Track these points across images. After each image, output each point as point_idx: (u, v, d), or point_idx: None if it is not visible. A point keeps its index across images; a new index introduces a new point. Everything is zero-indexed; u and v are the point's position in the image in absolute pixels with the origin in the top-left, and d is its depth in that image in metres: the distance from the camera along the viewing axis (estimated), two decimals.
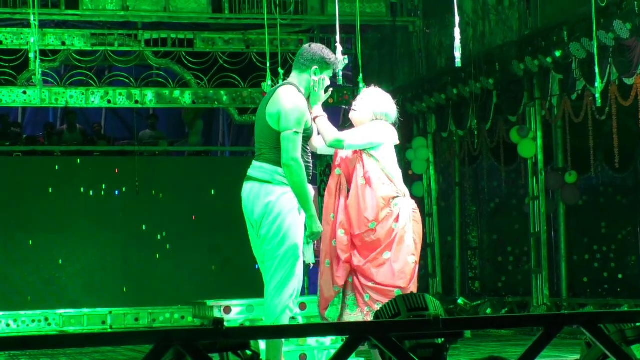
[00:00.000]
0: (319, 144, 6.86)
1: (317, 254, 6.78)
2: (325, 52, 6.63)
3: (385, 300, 6.62)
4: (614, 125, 11.63)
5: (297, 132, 6.33)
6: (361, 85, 8.93)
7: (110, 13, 14.61)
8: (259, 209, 6.39)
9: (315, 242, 6.55)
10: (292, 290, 6.34)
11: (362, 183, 6.92)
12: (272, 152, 6.41)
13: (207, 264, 16.32)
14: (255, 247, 6.55)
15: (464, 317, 6.65)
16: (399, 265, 6.81)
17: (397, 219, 6.86)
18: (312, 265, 6.57)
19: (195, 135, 17.95)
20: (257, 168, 6.48)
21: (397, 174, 6.98)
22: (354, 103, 7.13)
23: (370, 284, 6.81)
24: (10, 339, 4.13)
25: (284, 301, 6.32)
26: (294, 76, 6.62)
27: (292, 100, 6.38)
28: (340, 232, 6.91)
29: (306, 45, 6.69)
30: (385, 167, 6.93)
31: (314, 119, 6.71)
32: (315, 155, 18.47)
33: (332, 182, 7.09)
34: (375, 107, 7.04)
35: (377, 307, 6.66)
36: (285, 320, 6.30)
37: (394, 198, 6.89)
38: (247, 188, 6.51)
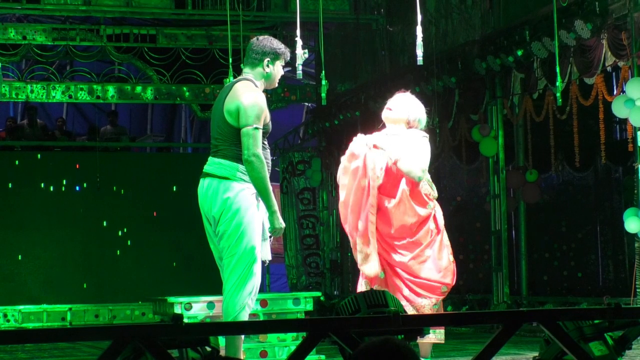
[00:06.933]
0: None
1: (274, 251, 6.74)
2: (274, 42, 6.57)
3: (432, 295, 6.91)
4: (575, 124, 11.71)
5: (257, 128, 6.27)
6: (323, 82, 8.90)
7: (72, 7, 14.50)
8: (217, 206, 6.33)
9: (273, 238, 6.50)
10: (251, 287, 6.28)
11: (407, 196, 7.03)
12: (230, 149, 6.34)
13: (168, 260, 16.26)
14: (213, 243, 6.49)
15: (424, 314, 6.67)
16: (444, 262, 7.16)
17: (435, 219, 7.14)
18: (267, 262, 6.52)
19: None
20: (215, 164, 6.41)
21: (428, 177, 7.19)
22: (389, 102, 7.26)
23: (415, 280, 7.03)
24: None
25: (243, 298, 6.26)
26: (247, 72, 6.54)
27: (251, 96, 6.32)
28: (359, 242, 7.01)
29: (254, 39, 6.58)
30: (428, 179, 7.18)
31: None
32: (277, 153, 18.30)
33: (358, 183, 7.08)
34: (411, 111, 7.25)
35: (419, 301, 7.00)
36: (244, 317, 6.24)
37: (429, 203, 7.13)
38: (205, 184, 6.44)
